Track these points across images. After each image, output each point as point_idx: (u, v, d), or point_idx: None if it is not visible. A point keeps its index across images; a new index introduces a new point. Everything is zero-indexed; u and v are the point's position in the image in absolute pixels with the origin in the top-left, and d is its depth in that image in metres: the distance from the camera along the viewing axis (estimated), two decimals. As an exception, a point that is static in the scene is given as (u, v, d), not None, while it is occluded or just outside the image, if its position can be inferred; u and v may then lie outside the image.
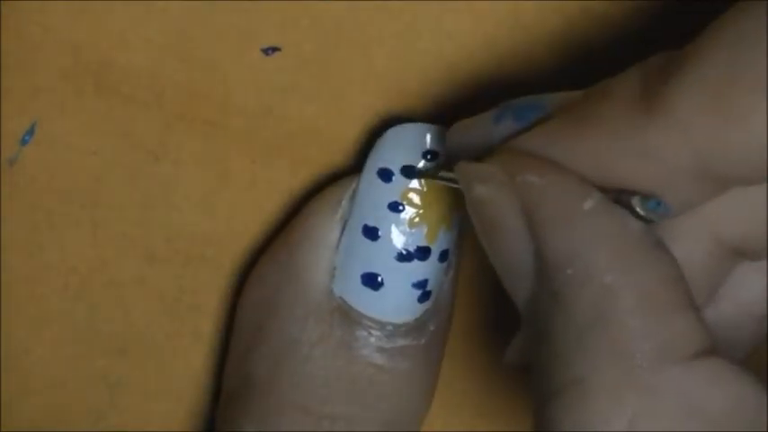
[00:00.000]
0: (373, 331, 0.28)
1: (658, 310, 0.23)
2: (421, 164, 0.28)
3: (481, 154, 0.25)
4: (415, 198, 0.27)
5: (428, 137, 0.28)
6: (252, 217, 0.30)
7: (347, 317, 0.28)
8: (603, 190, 0.23)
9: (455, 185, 0.26)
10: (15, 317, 0.30)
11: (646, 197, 0.23)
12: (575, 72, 0.29)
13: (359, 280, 0.28)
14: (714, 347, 0.23)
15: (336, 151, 0.30)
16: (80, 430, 0.31)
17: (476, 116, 0.26)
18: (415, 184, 0.28)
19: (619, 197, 0.23)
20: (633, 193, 0.23)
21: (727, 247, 0.25)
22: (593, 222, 0.23)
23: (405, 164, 0.28)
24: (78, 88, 0.29)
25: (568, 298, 0.23)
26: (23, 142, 0.29)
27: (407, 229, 0.27)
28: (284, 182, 0.30)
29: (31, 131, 0.29)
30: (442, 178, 0.27)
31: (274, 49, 0.29)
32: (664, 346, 0.22)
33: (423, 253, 0.28)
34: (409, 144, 0.28)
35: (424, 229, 0.27)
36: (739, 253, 0.25)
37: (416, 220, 0.27)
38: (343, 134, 0.29)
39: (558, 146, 0.24)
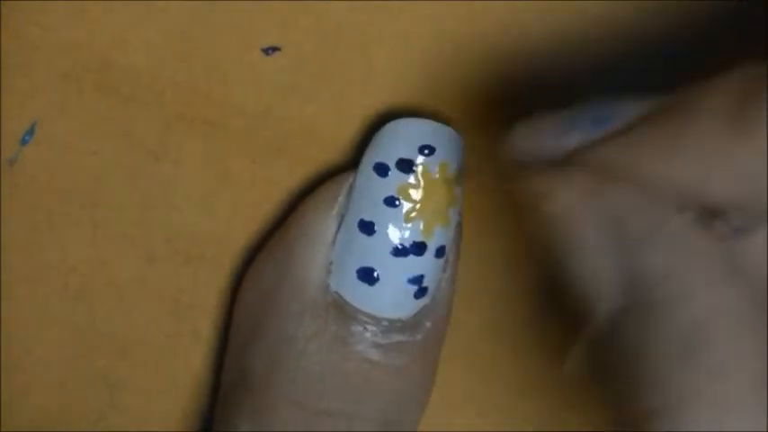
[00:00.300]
0: (369, 326, 0.28)
1: (752, 332, 0.22)
2: (419, 159, 0.28)
3: (554, 160, 0.24)
4: (412, 193, 0.28)
5: (424, 131, 0.28)
6: (252, 217, 0.30)
7: (343, 312, 0.28)
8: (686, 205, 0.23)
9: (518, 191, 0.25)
10: (15, 317, 0.30)
11: (729, 218, 0.22)
12: (574, 72, 0.29)
13: (355, 275, 0.28)
14: None
15: (336, 151, 0.30)
16: (80, 430, 0.31)
17: (542, 117, 0.25)
18: (411, 178, 0.28)
19: (702, 213, 0.23)
20: (719, 211, 0.22)
21: None
22: (688, 240, 0.22)
23: (400, 158, 0.28)
24: (78, 88, 0.29)
25: (667, 316, 0.22)
26: (23, 142, 0.29)
27: (403, 224, 0.27)
28: (284, 182, 0.30)
29: (31, 131, 0.29)
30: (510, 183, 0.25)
31: (274, 49, 0.29)
32: (762, 368, 0.22)
33: (419, 248, 0.27)
34: (405, 138, 0.28)
35: (420, 224, 0.27)
36: None
37: (412, 214, 0.28)
38: (343, 134, 0.29)
39: (644, 157, 0.23)
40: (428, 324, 0.28)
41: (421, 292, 0.28)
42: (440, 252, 0.28)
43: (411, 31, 0.29)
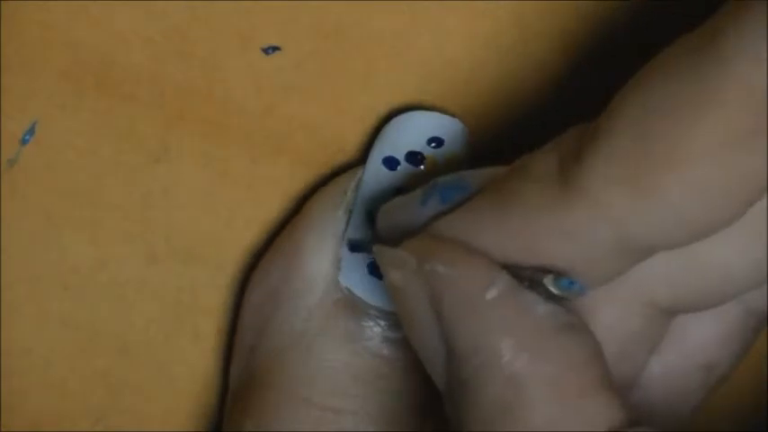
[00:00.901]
0: (380, 321, 0.28)
1: (568, 396, 0.22)
2: (428, 151, 0.28)
3: (407, 235, 0.25)
4: (420, 184, 0.27)
5: (432, 123, 0.28)
6: (252, 217, 0.30)
7: (353, 307, 0.28)
8: (520, 268, 0.23)
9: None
10: (15, 317, 0.30)
11: (558, 276, 0.23)
12: (574, 71, 0.29)
13: (365, 269, 0.28)
14: (635, 420, 0.23)
15: (336, 151, 0.30)
16: (80, 430, 0.31)
17: (402, 197, 0.26)
18: (420, 171, 0.28)
19: (533, 276, 0.23)
20: (547, 271, 0.23)
21: (660, 307, 0.25)
22: (497, 311, 0.23)
23: (409, 150, 0.28)
24: (78, 88, 0.29)
25: (476, 388, 0.23)
26: (23, 142, 0.29)
27: None
28: (284, 181, 0.30)
29: (31, 131, 0.29)
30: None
31: (274, 49, 0.29)
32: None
33: None
34: (414, 131, 0.28)
35: None
36: (672, 311, 0.25)
37: None
38: (343, 134, 0.29)
39: (477, 227, 0.23)
40: None
41: None
42: None
43: (411, 30, 0.29)
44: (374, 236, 0.27)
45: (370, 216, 0.28)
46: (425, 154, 0.28)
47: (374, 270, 0.27)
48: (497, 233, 0.23)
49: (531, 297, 0.23)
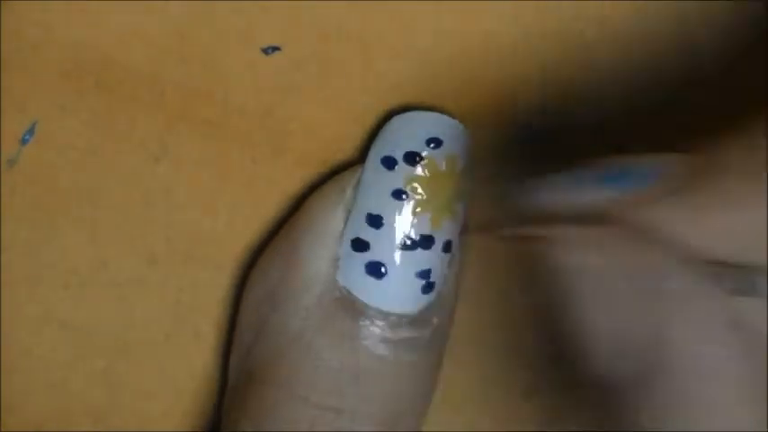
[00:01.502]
0: (377, 321, 0.28)
1: (744, 396, 0.22)
2: (426, 152, 0.28)
3: (581, 215, 0.25)
4: (419, 186, 0.27)
5: (431, 124, 0.28)
6: (252, 217, 0.30)
7: (351, 307, 0.28)
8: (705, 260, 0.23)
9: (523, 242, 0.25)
10: (15, 317, 0.30)
11: (740, 274, 0.23)
12: (573, 72, 0.29)
13: (363, 269, 0.28)
14: None
15: (336, 151, 0.30)
16: (80, 430, 0.31)
17: (573, 173, 0.25)
18: (419, 171, 0.28)
19: (717, 269, 0.23)
20: (734, 267, 0.23)
21: None
22: (688, 297, 0.23)
23: (408, 151, 0.28)
24: (78, 88, 0.29)
25: (665, 376, 0.22)
26: (23, 142, 0.29)
27: (411, 217, 0.27)
28: (284, 182, 0.30)
29: (31, 131, 0.29)
30: (517, 235, 0.26)
31: (274, 49, 0.29)
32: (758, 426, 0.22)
33: (426, 241, 0.27)
34: (412, 131, 0.28)
35: (428, 217, 0.27)
36: None
37: (420, 208, 0.27)
38: (343, 134, 0.29)
39: (681, 221, 0.23)
40: (435, 320, 0.28)
41: (428, 287, 0.28)
42: (447, 246, 0.28)
43: (411, 30, 0.29)
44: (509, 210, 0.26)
45: (369, 216, 0.28)
46: (424, 154, 0.27)
47: (372, 270, 0.27)
48: (702, 228, 0.23)
49: (710, 291, 0.23)
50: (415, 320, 0.28)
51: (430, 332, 0.28)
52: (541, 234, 0.25)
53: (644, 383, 0.23)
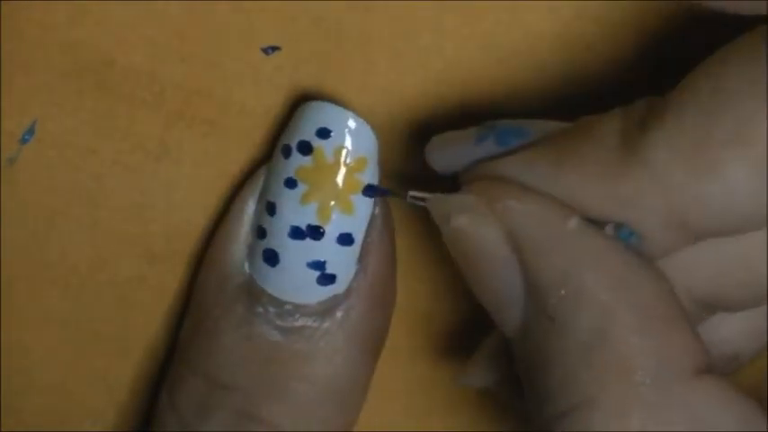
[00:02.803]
0: (270, 308, 0.28)
1: (657, 326, 0.23)
2: (316, 142, 0.28)
3: (458, 172, 0.26)
4: (309, 175, 0.28)
5: (322, 114, 0.28)
6: (252, 217, 0.30)
7: (250, 292, 0.28)
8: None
9: (422, 204, 0.26)
10: (15, 317, 0.30)
11: (619, 225, 0.23)
12: (573, 72, 0.29)
13: (261, 256, 0.28)
14: (712, 365, 0.23)
15: (336, 151, 0.30)
16: (80, 430, 0.31)
17: (456, 132, 0.27)
18: (308, 161, 0.28)
19: (592, 223, 0.23)
20: (606, 221, 0.23)
21: (695, 298, 0.25)
22: (581, 242, 0.23)
23: (301, 140, 0.28)
24: (78, 88, 0.29)
25: (565, 319, 0.23)
26: (23, 141, 0.29)
27: (299, 206, 0.28)
28: (284, 181, 0.30)
29: (31, 131, 0.29)
30: (414, 198, 0.27)
31: (274, 49, 0.29)
32: (665, 363, 0.22)
33: (315, 232, 0.28)
34: (307, 121, 0.28)
35: (315, 207, 0.28)
36: (707, 306, 0.25)
37: (309, 198, 0.28)
38: (343, 134, 0.29)
39: (535, 175, 0.24)
40: (339, 314, 0.28)
41: (325, 279, 0.28)
42: (344, 239, 0.28)
43: (411, 31, 0.29)
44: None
45: (267, 203, 0.28)
46: (313, 144, 0.28)
47: (268, 257, 0.28)
48: (554, 185, 0.24)
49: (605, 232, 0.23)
50: (313, 311, 0.28)
51: (331, 325, 0.28)
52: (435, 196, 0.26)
53: (544, 327, 0.23)
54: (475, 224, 0.24)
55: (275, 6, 0.28)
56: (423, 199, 0.26)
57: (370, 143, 0.28)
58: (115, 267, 0.30)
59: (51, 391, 0.30)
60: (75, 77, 0.29)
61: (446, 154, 0.27)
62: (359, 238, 0.28)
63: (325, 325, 0.28)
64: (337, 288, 0.28)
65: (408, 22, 0.29)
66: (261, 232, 0.28)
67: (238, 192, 0.29)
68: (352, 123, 0.28)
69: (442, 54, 0.29)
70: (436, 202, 0.25)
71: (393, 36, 0.29)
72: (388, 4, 0.29)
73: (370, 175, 0.28)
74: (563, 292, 0.23)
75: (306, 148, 0.28)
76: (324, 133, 0.28)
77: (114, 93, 0.29)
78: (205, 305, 0.29)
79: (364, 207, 0.28)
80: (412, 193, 0.26)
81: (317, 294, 0.28)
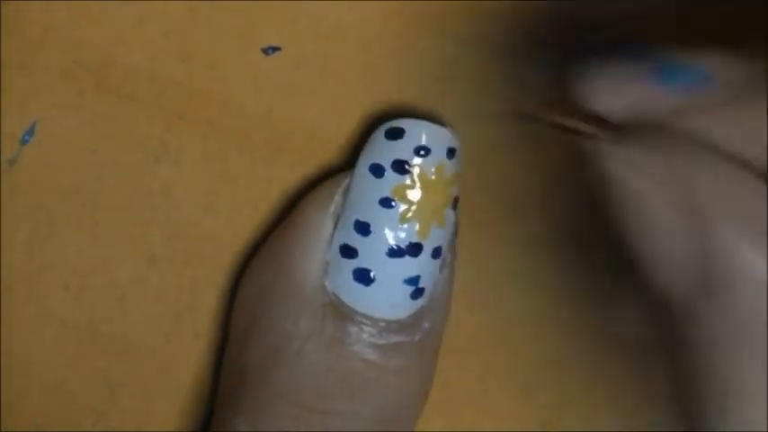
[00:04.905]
0: (365, 327, 0.28)
1: None
2: (415, 160, 0.27)
3: (637, 118, 0.23)
4: (407, 194, 0.27)
5: (420, 132, 0.28)
6: (252, 217, 0.30)
7: (339, 312, 0.28)
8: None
9: (575, 134, 0.23)
10: (15, 317, 0.30)
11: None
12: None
13: (351, 275, 0.28)
14: None
15: (336, 151, 0.30)
16: (80, 430, 0.31)
17: (623, 68, 0.24)
18: (406, 179, 0.28)
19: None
20: None
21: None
22: (761, 203, 0.21)
23: (396, 159, 0.28)
24: (78, 88, 0.29)
25: (744, 281, 0.21)
26: (23, 142, 0.29)
27: (399, 225, 0.27)
28: (284, 182, 0.30)
29: (31, 131, 0.29)
30: (564, 126, 0.24)
31: (274, 49, 0.29)
32: None
33: (414, 249, 0.27)
34: (401, 140, 0.28)
35: (416, 226, 0.27)
36: None
37: (408, 215, 0.27)
38: (343, 134, 0.29)
39: (729, 126, 0.22)
40: (426, 325, 0.28)
41: (417, 293, 0.28)
42: (436, 253, 0.28)
43: (411, 30, 0.29)
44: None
45: (357, 222, 0.28)
46: (413, 163, 0.27)
47: (360, 276, 0.28)
48: (751, 147, 0.22)
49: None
50: (405, 326, 0.28)
51: (420, 336, 0.28)
52: (595, 132, 0.23)
53: (707, 297, 0.22)
54: (653, 185, 0.22)
55: (275, 6, 0.28)
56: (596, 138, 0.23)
57: (457, 154, 0.28)
58: (115, 267, 0.30)
59: (51, 391, 0.31)
60: (75, 77, 0.29)
61: (621, 95, 0.24)
62: (444, 249, 0.28)
63: (417, 338, 0.28)
64: (424, 300, 0.28)
65: (408, 21, 0.29)
66: (349, 252, 0.28)
67: (303, 209, 0.28)
68: (447, 137, 0.28)
69: (442, 54, 0.29)
70: (618, 159, 0.23)
71: (393, 36, 0.29)
72: (388, 4, 0.29)
73: (459, 186, 0.28)
74: (741, 257, 0.21)
75: (403, 167, 0.28)
76: (423, 151, 0.27)
77: (114, 93, 0.29)
78: (282, 327, 0.28)
79: (452, 218, 0.28)
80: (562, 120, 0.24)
81: (409, 308, 0.28)
